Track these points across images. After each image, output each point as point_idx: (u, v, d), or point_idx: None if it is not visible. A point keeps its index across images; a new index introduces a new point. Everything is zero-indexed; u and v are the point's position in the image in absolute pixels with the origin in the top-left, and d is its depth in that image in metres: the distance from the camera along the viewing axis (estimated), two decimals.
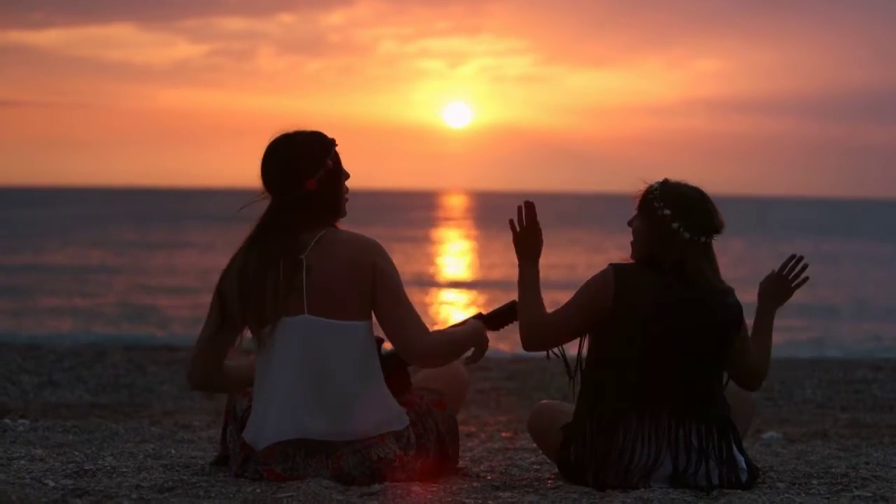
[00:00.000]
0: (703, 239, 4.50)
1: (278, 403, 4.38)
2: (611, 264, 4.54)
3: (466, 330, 4.65)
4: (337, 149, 4.55)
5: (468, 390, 5.00)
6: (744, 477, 4.48)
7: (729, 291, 4.54)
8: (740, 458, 4.50)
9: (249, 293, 4.40)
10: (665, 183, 4.55)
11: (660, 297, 4.43)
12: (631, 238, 4.63)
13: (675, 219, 4.47)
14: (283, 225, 4.46)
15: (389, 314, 4.43)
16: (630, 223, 4.61)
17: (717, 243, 4.60)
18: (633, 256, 4.61)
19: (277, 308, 4.38)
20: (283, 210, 4.48)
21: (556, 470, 4.74)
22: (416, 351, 4.45)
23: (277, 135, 4.54)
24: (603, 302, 4.46)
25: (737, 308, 4.54)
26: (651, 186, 4.56)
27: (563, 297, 4.64)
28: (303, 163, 4.46)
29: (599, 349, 4.50)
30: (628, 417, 4.42)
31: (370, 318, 4.45)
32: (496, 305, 4.93)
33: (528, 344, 4.62)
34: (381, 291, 4.42)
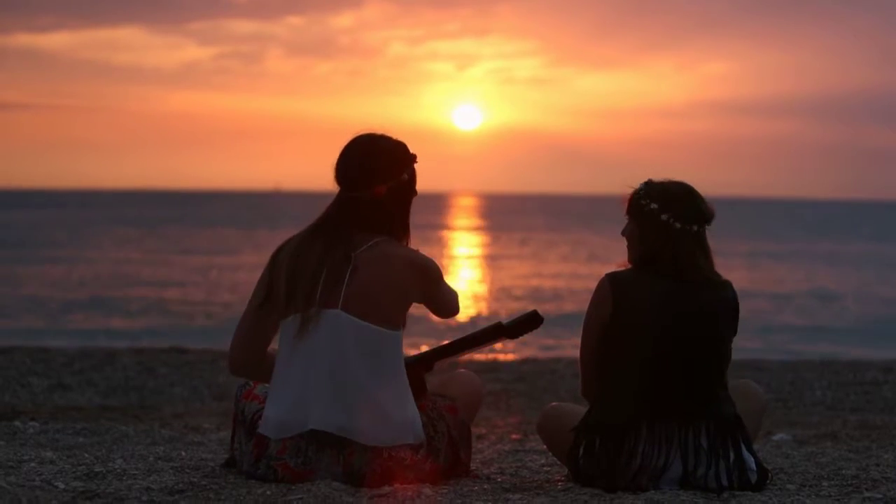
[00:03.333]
0: (695, 228, 4.50)
1: (299, 390, 4.38)
2: (606, 274, 4.54)
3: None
4: (416, 166, 4.57)
5: (482, 399, 4.98)
6: (753, 478, 4.47)
7: (726, 285, 4.55)
8: (750, 459, 4.49)
9: (298, 277, 4.39)
10: (648, 182, 4.58)
11: (658, 302, 4.44)
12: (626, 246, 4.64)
13: (663, 211, 4.49)
14: (342, 220, 4.46)
15: (435, 307, 4.59)
16: (623, 232, 4.62)
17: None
18: (629, 261, 4.62)
19: (317, 297, 4.37)
20: (345, 205, 4.48)
21: (566, 472, 4.74)
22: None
23: (363, 132, 4.54)
24: (604, 314, 4.47)
25: (734, 303, 4.55)
26: (636, 189, 4.59)
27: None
28: (379, 166, 4.47)
29: (605, 356, 4.50)
30: (638, 424, 4.41)
31: (402, 328, 4.45)
32: (516, 312, 4.91)
33: (586, 396, 4.69)
34: (429, 299, 4.53)
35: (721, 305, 4.50)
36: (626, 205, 4.60)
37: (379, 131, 4.55)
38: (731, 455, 4.44)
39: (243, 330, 4.53)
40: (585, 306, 4.60)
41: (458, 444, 4.65)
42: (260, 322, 4.51)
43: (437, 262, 4.57)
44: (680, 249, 4.48)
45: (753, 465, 4.50)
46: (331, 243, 4.43)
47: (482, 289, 34.37)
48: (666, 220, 4.48)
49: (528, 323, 4.73)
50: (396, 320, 4.41)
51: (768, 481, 4.58)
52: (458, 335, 4.89)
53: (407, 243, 4.56)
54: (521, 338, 4.83)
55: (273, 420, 4.43)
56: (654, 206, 4.50)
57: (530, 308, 4.86)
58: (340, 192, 4.51)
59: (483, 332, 4.75)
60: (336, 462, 4.38)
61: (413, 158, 4.55)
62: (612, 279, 4.50)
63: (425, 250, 4.60)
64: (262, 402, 4.58)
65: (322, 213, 4.54)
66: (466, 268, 43.24)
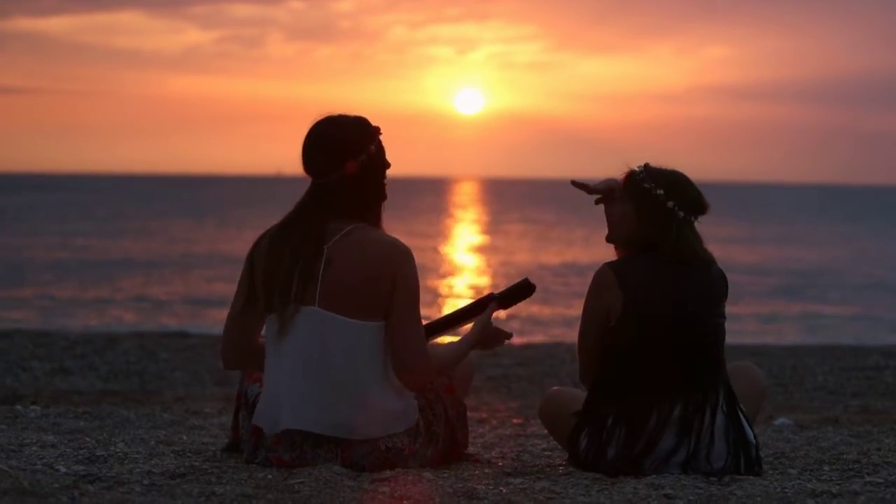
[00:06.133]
0: (693, 218, 4.53)
1: (286, 393, 4.36)
2: (607, 264, 4.52)
3: (461, 348, 4.61)
4: (381, 138, 4.48)
5: (474, 372, 4.98)
6: (753, 452, 4.48)
7: (713, 261, 4.58)
8: (750, 434, 4.50)
9: (272, 276, 4.35)
10: (648, 166, 4.57)
11: (666, 286, 4.45)
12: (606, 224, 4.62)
13: (669, 198, 4.49)
14: (315, 210, 4.39)
15: (398, 328, 4.37)
16: (609, 209, 4.60)
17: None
18: (611, 239, 4.60)
19: (293, 295, 4.33)
20: (317, 194, 4.40)
21: (567, 456, 4.73)
22: (410, 372, 4.41)
23: (320, 117, 4.46)
24: (611, 303, 4.46)
25: (725, 278, 4.60)
26: (635, 170, 4.57)
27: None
28: (345, 145, 4.38)
29: (614, 342, 4.48)
30: (648, 408, 4.41)
31: (383, 319, 4.38)
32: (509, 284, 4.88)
33: (584, 382, 4.66)
34: (396, 304, 4.35)
35: (718, 282, 4.55)
36: (623, 184, 4.59)
37: (335, 112, 4.46)
38: (734, 434, 4.45)
39: (230, 331, 4.51)
40: (586, 289, 4.58)
41: (454, 425, 4.64)
42: (245, 322, 4.48)
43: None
44: (681, 236, 4.49)
45: (752, 438, 4.51)
46: (303, 237, 4.35)
47: (483, 272, 34.37)
48: (671, 207, 4.48)
49: (520, 291, 4.70)
50: (376, 311, 4.34)
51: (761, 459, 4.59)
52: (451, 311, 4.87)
53: (379, 224, 4.45)
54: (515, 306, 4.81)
55: (260, 413, 4.44)
56: (660, 191, 4.49)
57: (523, 277, 4.83)
58: (312, 181, 4.44)
59: (475, 304, 4.72)
60: (333, 456, 4.37)
61: (377, 130, 4.46)
62: (615, 269, 4.48)
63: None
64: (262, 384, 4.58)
65: (296, 203, 4.45)
66: (467, 252, 43.22)
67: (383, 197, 4.48)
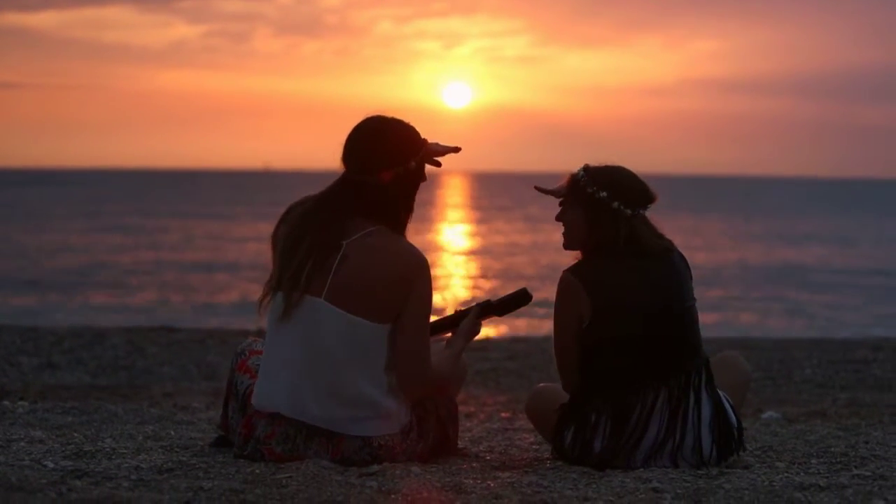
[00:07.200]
0: (642, 211, 4.55)
1: (284, 378, 4.36)
2: (569, 272, 4.52)
3: (454, 354, 4.59)
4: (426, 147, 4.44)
5: (467, 373, 4.99)
6: (735, 433, 4.51)
7: (672, 247, 4.60)
8: (731, 414, 4.53)
9: (288, 258, 4.34)
10: (588, 168, 4.58)
11: (634, 282, 4.47)
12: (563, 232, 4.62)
13: (613, 198, 4.51)
14: (340, 203, 4.37)
15: (405, 337, 4.35)
16: (562, 217, 4.61)
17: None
18: (568, 247, 4.61)
19: (302, 282, 4.31)
20: (346, 188, 4.39)
21: (552, 449, 4.74)
22: (413, 385, 4.41)
23: (373, 114, 4.44)
24: (581, 310, 4.46)
25: (686, 261, 4.62)
26: (576, 175, 4.58)
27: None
28: (386, 154, 4.37)
29: (591, 342, 4.48)
30: (637, 397, 4.42)
31: (389, 323, 4.35)
32: (506, 291, 4.89)
33: (566, 391, 4.64)
34: (407, 314, 4.34)
35: (681, 267, 4.58)
36: (565, 191, 4.59)
37: (390, 114, 4.45)
38: (716, 415, 4.47)
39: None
40: None
41: (445, 423, 4.64)
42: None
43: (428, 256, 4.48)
44: (633, 231, 4.52)
45: (735, 421, 4.54)
46: (324, 227, 4.34)
47: (471, 268, 34.36)
48: (617, 207, 4.50)
49: (516, 300, 4.72)
50: (383, 315, 4.33)
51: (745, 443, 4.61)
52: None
53: (403, 232, 4.43)
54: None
55: (264, 390, 4.43)
56: (603, 194, 4.51)
57: (521, 286, 4.84)
58: (345, 173, 4.42)
59: (471, 309, 4.74)
60: (325, 451, 4.37)
61: (423, 144, 4.44)
62: (578, 274, 4.49)
63: (416, 232, 4.53)
64: (253, 376, 4.58)
65: (324, 190, 4.44)
66: (455, 248, 43.21)
67: (410, 210, 4.45)
